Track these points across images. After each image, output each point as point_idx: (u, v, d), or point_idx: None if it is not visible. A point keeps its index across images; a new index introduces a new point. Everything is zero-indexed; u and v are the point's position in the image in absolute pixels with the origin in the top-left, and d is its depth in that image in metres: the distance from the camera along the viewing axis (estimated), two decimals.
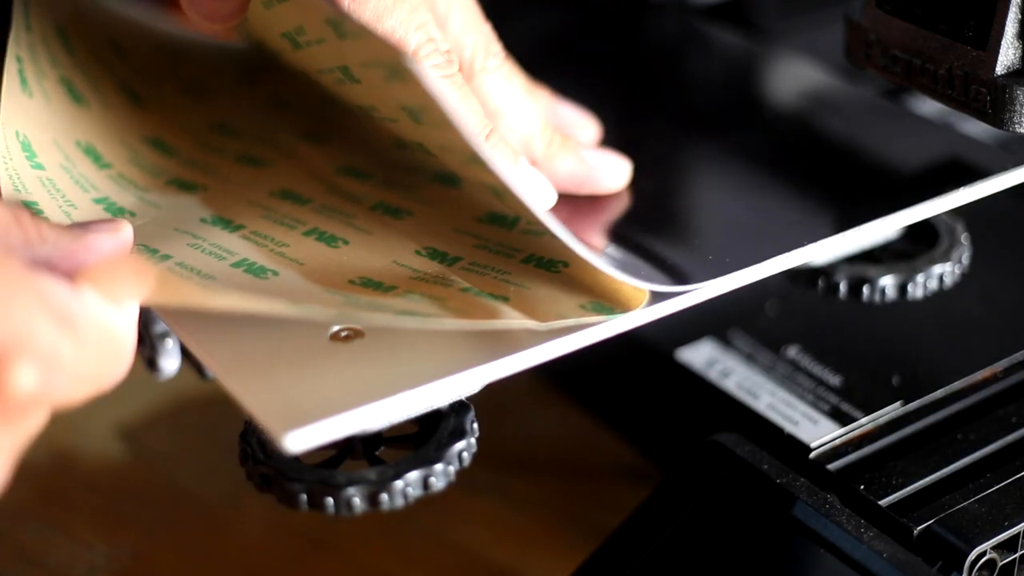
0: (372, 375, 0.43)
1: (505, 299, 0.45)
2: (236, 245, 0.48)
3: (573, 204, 0.52)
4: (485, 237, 0.49)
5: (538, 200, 0.50)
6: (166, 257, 0.47)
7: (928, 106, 0.61)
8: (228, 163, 0.54)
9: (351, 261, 0.48)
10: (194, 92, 0.58)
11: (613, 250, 0.50)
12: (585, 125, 0.56)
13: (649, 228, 0.51)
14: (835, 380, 0.55)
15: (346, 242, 0.48)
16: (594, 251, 0.46)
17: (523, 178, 0.50)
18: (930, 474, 0.51)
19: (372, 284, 0.46)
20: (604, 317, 0.44)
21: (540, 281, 0.46)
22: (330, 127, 0.56)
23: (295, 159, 0.54)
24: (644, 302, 0.45)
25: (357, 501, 0.43)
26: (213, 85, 0.59)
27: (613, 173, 0.53)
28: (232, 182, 0.52)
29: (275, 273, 0.46)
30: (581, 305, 0.45)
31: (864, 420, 0.53)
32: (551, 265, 0.47)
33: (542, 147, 0.52)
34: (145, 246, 0.47)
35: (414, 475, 0.43)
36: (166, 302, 0.43)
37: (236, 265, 0.47)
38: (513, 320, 0.44)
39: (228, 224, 0.49)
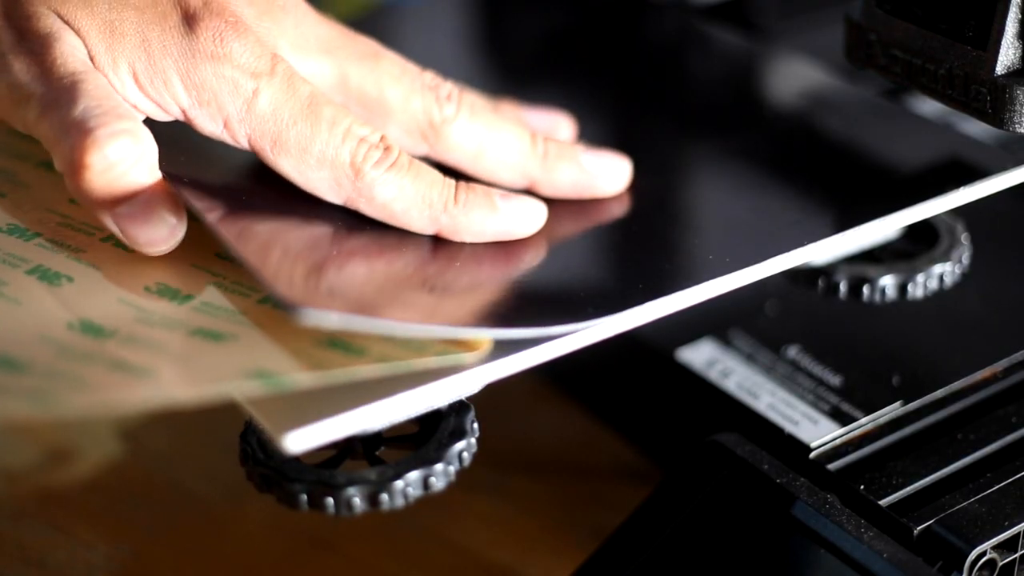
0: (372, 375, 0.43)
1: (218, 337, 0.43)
2: None
3: (566, 208, 0.52)
4: (222, 274, 0.47)
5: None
6: None
7: (928, 106, 0.61)
8: None
9: (73, 301, 0.45)
10: None
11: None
12: (561, 126, 0.56)
13: (624, 237, 0.51)
14: (835, 380, 0.55)
15: (70, 279, 0.46)
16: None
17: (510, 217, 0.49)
18: (930, 474, 0.51)
19: (93, 330, 0.44)
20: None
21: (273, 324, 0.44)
22: None
23: (28, 188, 0.51)
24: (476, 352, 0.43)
25: (357, 501, 0.43)
26: None
27: (614, 176, 0.52)
28: None
29: None
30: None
31: (864, 420, 0.53)
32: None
33: (538, 162, 0.51)
34: None
35: (414, 475, 0.43)
36: None
37: None
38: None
39: None
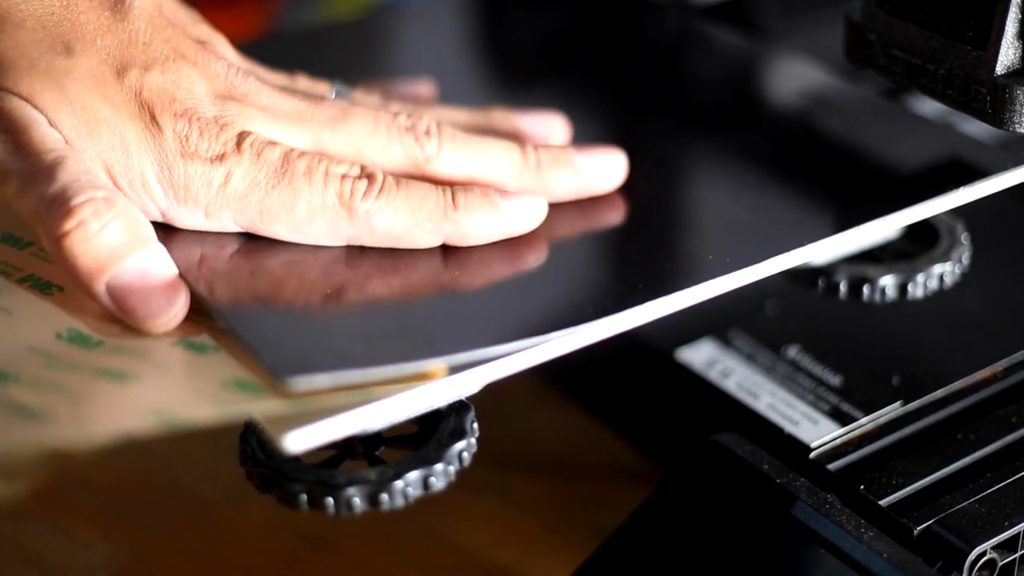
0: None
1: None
2: None
3: (565, 209, 0.52)
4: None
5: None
6: None
7: (928, 106, 0.61)
8: None
9: None
10: None
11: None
12: (555, 128, 0.55)
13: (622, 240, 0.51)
14: (835, 380, 0.55)
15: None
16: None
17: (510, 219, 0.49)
18: (930, 474, 0.51)
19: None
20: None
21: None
22: None
23: None
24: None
25: (357, 501, 0.43)
26: None
27: (610, 172, 0.52)
28: None
29: None
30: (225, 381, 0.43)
31: (864, 420, 0.53)
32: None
33: (532, 175, 0.51)
34: None
35: (414, 475, 0.43)
36: None
37: None
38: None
39: None
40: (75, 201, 0.45)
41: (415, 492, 0.44)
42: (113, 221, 0.45)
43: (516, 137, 0.53)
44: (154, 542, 0.59)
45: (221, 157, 0.47)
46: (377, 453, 0.45)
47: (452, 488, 0.45)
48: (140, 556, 0.58)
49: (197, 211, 0.48)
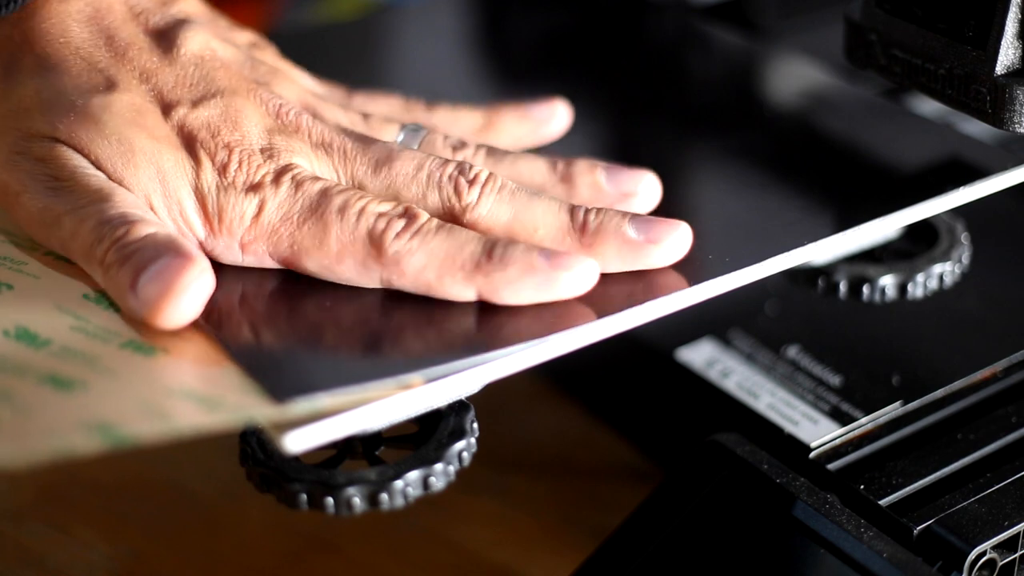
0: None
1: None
2: None
3: None
4: (85, 318, 0.45)
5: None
6: None
7: (928, 106, 0.61)
8: None
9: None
10: None
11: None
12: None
13: None
14: (835, 380, 0.55)
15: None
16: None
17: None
18: (930, 474, 0.51)
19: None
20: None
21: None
22: None
23: None
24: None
25: (357, 501, 0.43)
26: None
27: (670, 249, 0.47)
28: None
29: None
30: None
31: (864, 420, 0.53)
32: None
33: (577, 238, 0.47)
34: None
35: (414, 475, 0.43)
36: None
37: None
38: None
39: None
40: (123, 244, 0.44)
41: (415, 492, 0.43)
42: (157, 261, 0.44)
43: (598, 195, 0.50)
44: (154, 542, 0.59)
45: (257, 187, 0.47)
46: (377, 453, 0.45)
47: (452, 488, 0.45)
48: (140, 556, 0.58)
49: (232, 243, 0.47)
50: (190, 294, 0.44)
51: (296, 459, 0.44)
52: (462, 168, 0.48)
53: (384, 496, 0.43)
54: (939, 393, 0.54)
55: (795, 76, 0.62)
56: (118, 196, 0.46)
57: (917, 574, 0.46)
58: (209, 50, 0.50)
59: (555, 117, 0.55)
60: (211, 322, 0.45)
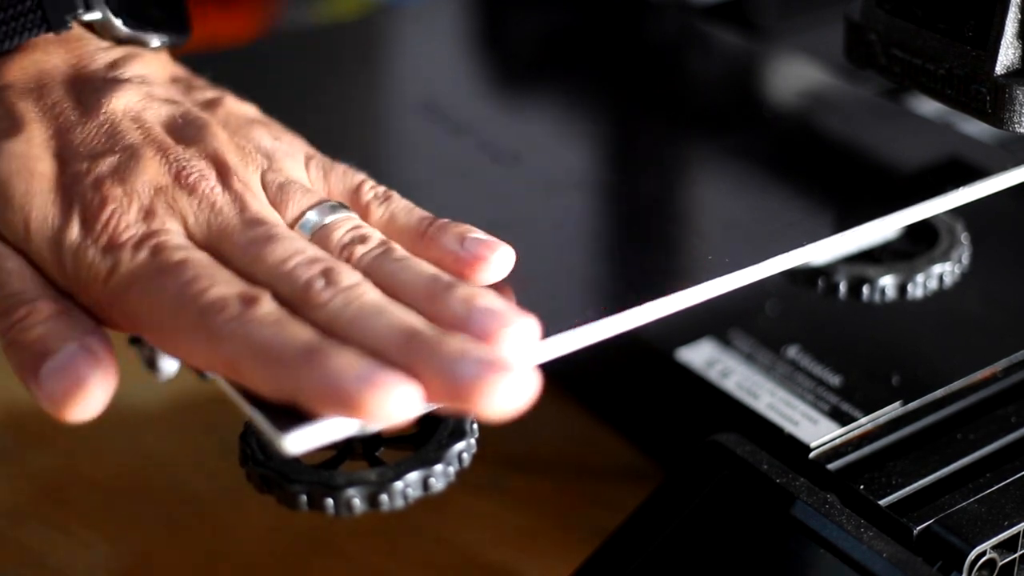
0: None
1: None
2: None
3: (565, 209, 0.52)
4: None
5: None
6: None
7: (928, 106, 0.61)
8: None
9: None
10: None
11: None
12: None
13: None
14: (835, 380, 0.55)
15: None
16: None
17: None
18: (930, 474, 0.51)
19: None
20: None
21: None
22: None
23: None
24: None
25: (357, 502, 0.43)
26: None
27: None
28: None
29: None
30: None
31: (864, 420, 0.53)
32: None
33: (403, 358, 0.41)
34: None
35: (414, 476, 0.43)
36: None
37: None
38: None
39: None
40: (23, 326, 0.43)
41: (415, 493, 0.44)
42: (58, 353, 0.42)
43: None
44: (154, 542, 0.59)
45: (116, 248, 0.44)
46: (377, 454, 0.45)
47: (452, 488, 0.45)
48: (140, 556, 0.58)
49: (90, 304, 0.44)
50: (97, 393, 0.42)
51: (296, 460, 0.44)
52: (327, 272, 0.43)
53: (384, 497, 0.43)
54: (939, 393, 0.54)
55: (795, 76, 0.62)
56: (11, 263, 0.45)
57: (917, 574, 0.46)
58: (133, 110, 0.48)
59: (489, 263, 0.46)
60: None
